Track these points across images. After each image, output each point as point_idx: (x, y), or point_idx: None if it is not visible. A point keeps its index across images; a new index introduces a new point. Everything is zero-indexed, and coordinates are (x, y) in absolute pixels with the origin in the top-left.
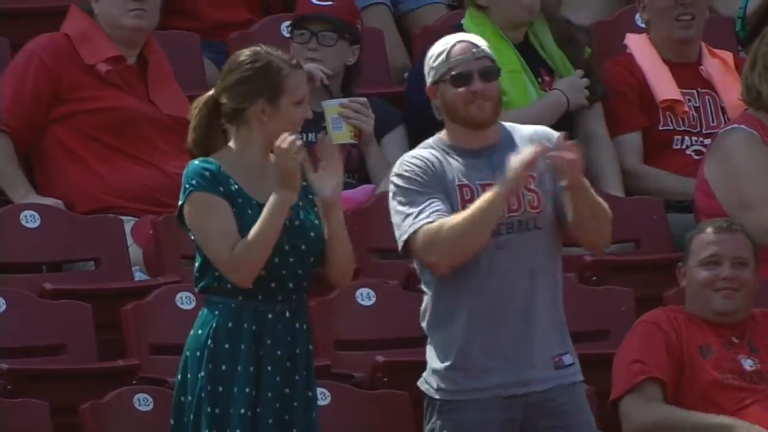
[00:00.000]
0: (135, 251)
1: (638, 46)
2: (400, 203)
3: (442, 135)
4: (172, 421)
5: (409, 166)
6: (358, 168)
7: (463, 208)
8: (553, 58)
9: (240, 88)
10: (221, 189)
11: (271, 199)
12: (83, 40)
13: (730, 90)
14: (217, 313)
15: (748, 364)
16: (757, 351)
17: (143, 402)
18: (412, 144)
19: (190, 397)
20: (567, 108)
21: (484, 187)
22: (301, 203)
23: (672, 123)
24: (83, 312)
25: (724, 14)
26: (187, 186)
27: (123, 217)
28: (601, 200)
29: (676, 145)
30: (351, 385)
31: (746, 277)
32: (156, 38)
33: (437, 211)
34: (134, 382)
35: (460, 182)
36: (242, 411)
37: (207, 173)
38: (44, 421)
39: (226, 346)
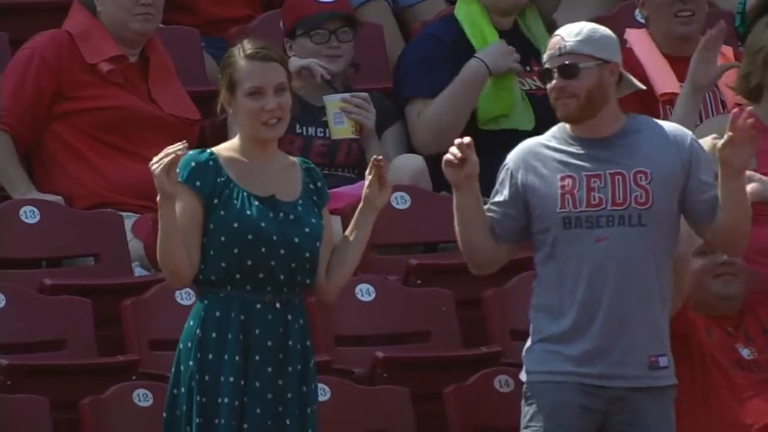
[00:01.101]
0: (135, 247)
1: (638, 41)
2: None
3: (563, 125)
4: (164, 415)
5: (512, 157)
6: (358, 163)
7: (563, 197)
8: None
9: (220, 81)
10: (198, 183)
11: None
12: (85, 39)
13: (730, 84)
14: (206, 302)
15: (745, 353)
16: (753, 340)
17: (143, 397)
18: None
19: (183, 389)
20: (489, 74)
21: (589, 178)
22: (301, 201)
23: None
24: (83, 307)
25: (724, 9)
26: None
27: (123, 213)
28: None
29: None
30: (351, 381)
31: (742, 262)
32: (156, 34)
33: (494, 214)
34: (134, 377)
35: (564, 173)
36: (226, 400)
37: (193, 164)
38: (44, 416)
39: (213, 335)
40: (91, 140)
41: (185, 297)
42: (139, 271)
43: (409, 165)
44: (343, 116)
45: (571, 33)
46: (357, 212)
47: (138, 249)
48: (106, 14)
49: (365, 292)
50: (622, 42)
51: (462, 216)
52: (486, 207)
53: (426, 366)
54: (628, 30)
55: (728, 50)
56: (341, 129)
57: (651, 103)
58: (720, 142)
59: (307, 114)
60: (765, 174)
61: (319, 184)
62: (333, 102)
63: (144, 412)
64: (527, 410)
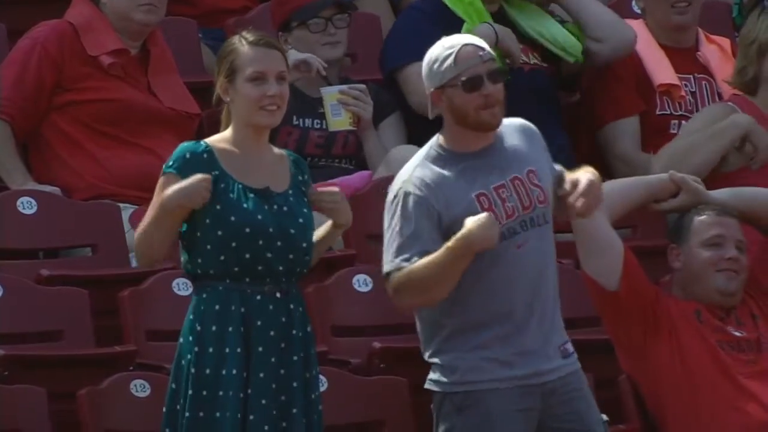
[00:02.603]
0: (132, 237)
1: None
2: (390, 229)
3: (440, 141)
4: (164, 408)
5: (413, 188)
6: (355, 154)
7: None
8: (528, 30)
9: (215, 71)
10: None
11: (164, 198)
12: (87, 30)
13: (727, 75)
14: (204, 296)
15: (736, 333)
16: (744, 324)
17: (140, 388)
18: (410, 131)
19: (183, 383)
20: (495, 43)
21: (497, 190)
22: (291, 192)
23: (669, 107)
24: (80, 298)
25: None
26: (165, 165)
27: (120, 204)
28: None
29: (673, 129)
30: (348, 371)
31: (745, 261)
32: (157, 27)
33: (417, 254)
34: (131, 368)
35: (476, 192)
36: (231, 393)
37: (188, 155)
38: (41, 407)
39: (213, 328)
40: (90, 132)
41: (182, 287)
42: (136, 262)
43: (406, 156)
44: (340, 108)
45: (476, 41)
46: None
47: None
48: (109, 4)
49: (362, 283)
50: None
51: (457, 276)
52: (405, 241)
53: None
54: (625, 21)
55: (725, 42)
56: (339, 121)
57: (649, 94)
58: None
59: (304, 105)
60: None
61: (305, 176)
62: (330, 94)
63: (141, 403)
64: (467, 422)
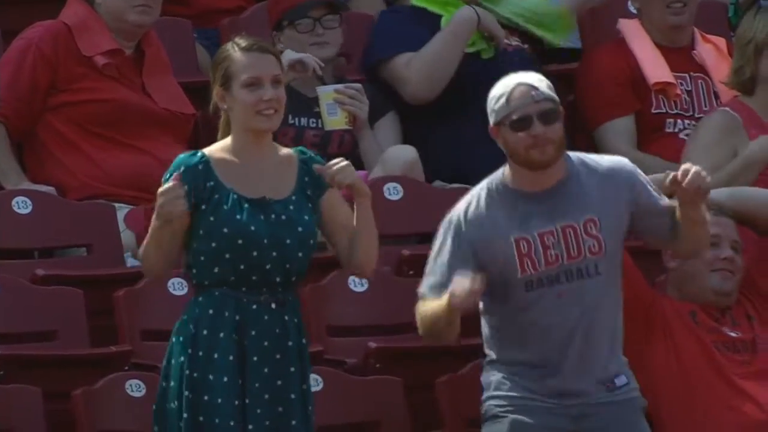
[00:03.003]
0: (127, 237)
1: (630, 31)
2: (433, 252)
3: (504, 175)
4: (154, 406)
5: (456, 220)
6: (351, 153)
7: (521, 261)
8: (510, 17)
9: (211, 80)
10: (185, 187)
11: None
12: (82, 31)
13: (723, 75)
14: (200, 299)
15: (732, 334)
16: (739, 324)
17: (135, 388)
18: (405, 129)
19: (173, 383)
20: (477, 25)
21: (542, 236)
22: (294, 197)
23: (664, 106)
24: (75, 298)
25: None
26: (165, 176)
27: (115, 204)
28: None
29: (669, 128)
30: (343, 371)
31: (740, 262)
32: (152, 28)
33: (438, 288)
34: (126, 368)
35: (517, 235)
36: (220, 401)
37: (182, 168)
38: (36, 407)
39: (205, 332)
40: (85, 132)
41: (177, 287)
42: (131, 262)
43: (401, 156)
44: (336, 107)
45: (535, 79)
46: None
47: (130, 240)
48: (104, 5)
49: (358, 283)
50: (615, 32)
51: (445, 328)
52: (436, 267)
53: (419, 356)
54: (620, 20)
55: (721, 41)
56: (334, 120)
57: (644, 94)
58: (667, 181)
59: (299, 105)
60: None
61: (314, 175)
62: (326, 93)
63: (137, 403)
64: (487, 428)
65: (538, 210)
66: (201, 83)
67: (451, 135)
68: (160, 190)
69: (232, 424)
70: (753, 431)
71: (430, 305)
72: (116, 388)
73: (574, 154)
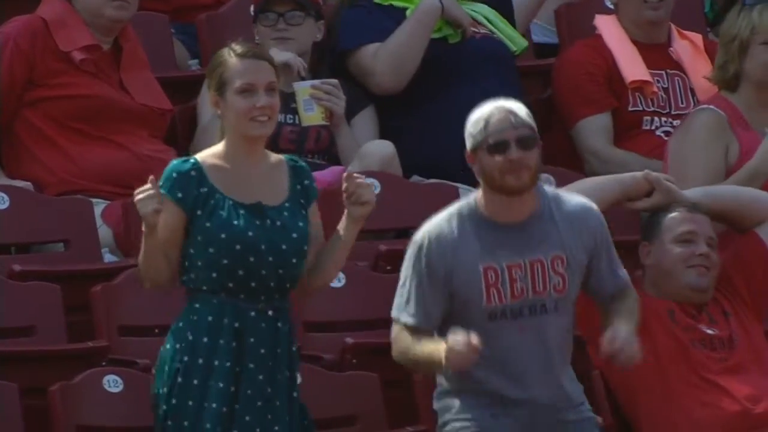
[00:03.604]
0: (104, 233)
1: (607, 28)
2: (404, 274)
3: (477, 201)
4: (153, 413)
5: (427, 243)
6: (328, 149)
7: (487, 290)
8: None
9: (206, 85)
10: (179, 195)
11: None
12: (59, 26)
13: (700, 71)
14: (197, 306)
15: (709, 331)
16: (716, 322)
17: (113, 383)
18: (382, 124)
19: (166, 389)
20: (441, 13)
21: (510, 269)
22: (287, 204)
23: (641, 104)
24: (52, 293)
25: None
26: (158, 184)
27: (93, 199)
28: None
29: (646, 125)
30: (320, 367)
31: (716, 259)
32: (130, 23)
33: (417, 315)
34: (104, 363)
35: (486, 264)
36: (215, 405)
37: (175, 175)
38: (13, 402)
39: (205, 339)
40: (62, 127)
41: None
42: (108, 257)
43: (378, 151)
44: (313, 103)
45: (515, 106)
46: (340, 224)
47: (108, 235)
48: (81, 1)
49: (336, 279)
50: (591, 28)
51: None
52: (409, 292)
53: None
54: (597, 16)
55: (697, 38)
56: (311, 116)
57: (621, 91)
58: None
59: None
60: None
61: (306, 182)
62: (303, 89)
63: (114, 398)
64: None
65: (508, 242)
66: (178, 78)
67: (423, 123)
68: (135, 192)
69: (218, 430)
70: (730, 425)
71: (424, 349)
72: (93, 383)
73: (548, 189)
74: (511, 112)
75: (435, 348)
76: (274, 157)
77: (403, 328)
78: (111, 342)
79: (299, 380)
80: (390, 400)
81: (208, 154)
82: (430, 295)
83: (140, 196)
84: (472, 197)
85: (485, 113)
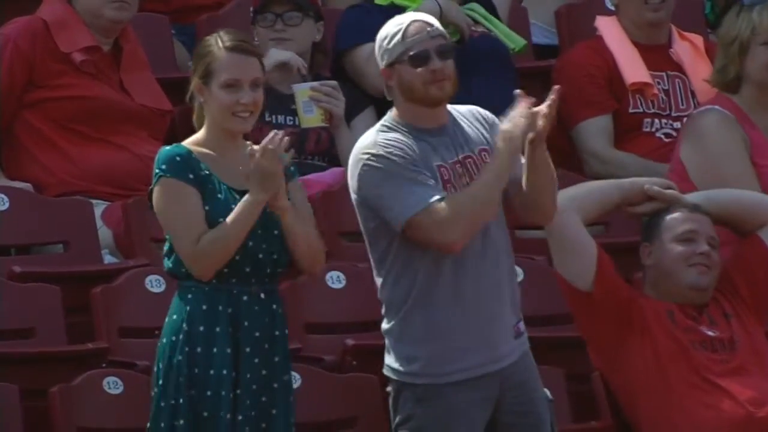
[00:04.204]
0: (104, 234)
1: (608, 29)
2: (394, 184)
3: (394, 116)
4: (153, 406)
5: (390, 148)
6: (328, 151)
7: (444, 187)
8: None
9: (191, 68)
10: (191, 176)
11: (248, 197)
12: (60, 28)
13: (700, 73)
14: (190, 296)
15: (709, 333)
16: (717, 324)
17: (113, 385)
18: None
19: (172, 381)
20: (439, 17)
21: (454, 165)
22: None
23: (642, 105)
24: (52, 295)
25: None
26: (157, 171)
27: (93, 201)
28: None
29: (646, 127)
30: (321, 368)
31: (717, 258)
32: (130, 24)
33: (437, 191)
34: (104, 365)
35: (437, 162)
36: (223, 393)
37: (178, 158)
38: (13, 404)
39: (201, 328)
40: (62, 129)
41: (155, 284)
42: (108, 259)
43: None
44: (312, 105)
45: (426, 18)
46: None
47: (108, 236)
48: (81, 2)
49: (335, 280)
50: (592, 30)
51: (536, 167)
52: (399, 193)
53: None
54: (598, 17)
55: (698, 39)
56: (311, 118)
57: (621, 93)
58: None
59: (276, 102)
60: (763, 165)
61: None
62: (302, 90)
63: (114, 400)
64: (421, 411)
65: (440, 143)
66: (178, 79)
67: None
68: (259, 149)
69: (228, 416)
70: (732, 428)
71: (474, 186)
72: (93, 385)
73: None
74: (426, 23)
75: (493, 160)
76: (249, 145)
77: (437, 204)
78: (111, 344)
79: (297, 382)
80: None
81: (192, 142)
82: (421, 174)
83: (270, 153)
84: (385, 118)
85: (401, 26)
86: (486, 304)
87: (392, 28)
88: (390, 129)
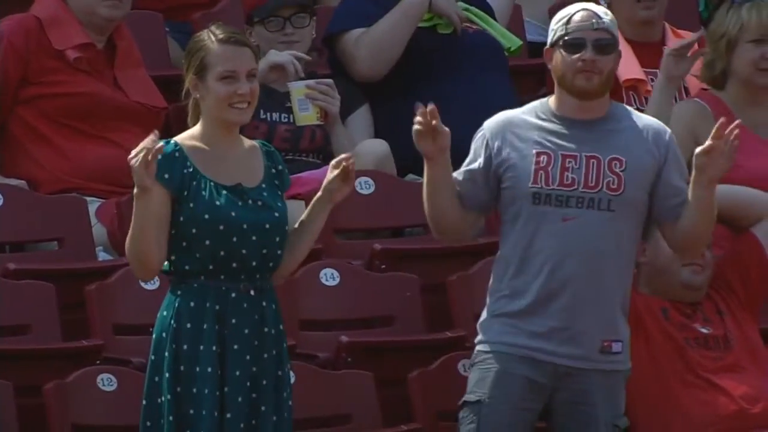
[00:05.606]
0: (98, 231)
1: None
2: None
3: (549, 100)
4: (144, 402)
5: (485, 128)
6: (322, 148)
7: (536, 173)
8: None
9: (184, 66)
10: (166, 176)
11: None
12: (53, 25)
13: (694, 70)
14: (179, 293)
15: (703, 330)
16: (711, 321)
17: (107, 382)
18: (377, 122)
19: (165, 376)
20: (429, 7)
21: (565, 158)
22: (264, 185)
23: (635, 102)
24: (47, 292)
25: None
26: None
27: (87, 198)
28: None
29: None
30: (315, 366)
31: (710, 257)
32: (124, 21)
33: (465, 181)
34: (98, 362)
35: (540, 150)
36: (206, 391)
37: (159, 157)
38: (8, 401)
39: (188, 325)
40: (56, 125)
41: (149, 282)
42: (103, 256)
43: (373, 150)
44: (308, 103)
45: (600, 11)
46: (313, 201)
47: (102, 233)
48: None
49: (329, 277)
50: None
51: (433, 187)
52: (459, 172)
53: (390, 351)
54: None
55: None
56: (306, 116)
57: (615, 89)
58: (699, 149)
59: (271, 100)
60: (741, 166)
61: (280, 167)
62: (298, 88)
63: (108, 397)
64: (474, 376)
65: (570, 134)
66: (173, 77)
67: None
68: (135, 154)
69: (215, 414)
70: (726, 423)
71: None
72: (88, 382)
73: (624, 105)
74: (595, 15)
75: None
76: (247, 141)
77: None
78: (105, 340)
79: (292, 379)
80: (385, 399)
81: (186, 137)
82: (476, 173)
83: (141, 154)
84: (548, 98)
85: (570, 10)
86: (566, 298)
87: (564, 12)
88: (533, 110)
